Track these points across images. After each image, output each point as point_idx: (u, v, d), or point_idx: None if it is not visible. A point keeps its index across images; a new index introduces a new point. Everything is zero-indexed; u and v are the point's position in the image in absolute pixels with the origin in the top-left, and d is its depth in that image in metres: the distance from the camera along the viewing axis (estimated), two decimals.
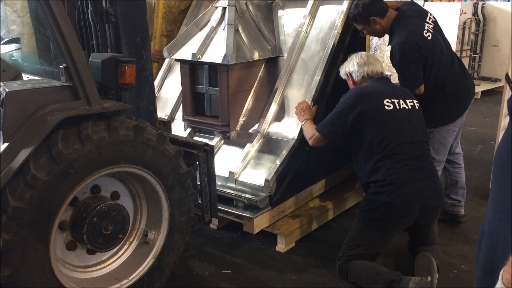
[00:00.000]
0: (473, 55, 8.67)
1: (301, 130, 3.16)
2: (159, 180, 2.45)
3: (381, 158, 2.65)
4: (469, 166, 4.59)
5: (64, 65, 2.13)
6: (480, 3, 8.80)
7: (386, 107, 2.70)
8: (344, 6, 3.47)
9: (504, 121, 3.90)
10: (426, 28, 3.11)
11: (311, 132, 2.93)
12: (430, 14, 3.23)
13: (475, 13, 8.60)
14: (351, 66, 2.96)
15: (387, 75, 3.01)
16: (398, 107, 2.73)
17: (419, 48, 3.03)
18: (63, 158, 2.03)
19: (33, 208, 1.98)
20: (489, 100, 7.99)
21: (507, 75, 3.76)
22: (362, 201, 2.80)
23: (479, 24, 8.59)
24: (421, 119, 2.83)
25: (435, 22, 3.21)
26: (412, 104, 2.79)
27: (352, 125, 2.72)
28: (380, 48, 3.50)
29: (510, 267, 1.24)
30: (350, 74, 2.97)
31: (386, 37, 3.42)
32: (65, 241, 2.30)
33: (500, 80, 8.77)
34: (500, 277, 1.26)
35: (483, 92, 8.26)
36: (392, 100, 2.73)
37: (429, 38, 3.09)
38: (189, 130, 3.61)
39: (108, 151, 2.18)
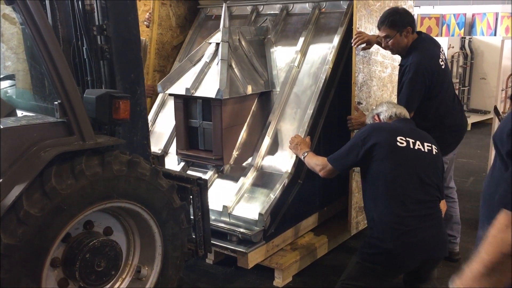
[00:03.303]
0: (462, 88, 8.82)
1: (297, 163, 3.17)
2: (153, 215, 2.43)
3: (386, 196, 2.58)
4: (462, 198, 4.60)
5: (59, 101, 2.14)
6: (467, 37, 9.03)
7: (398, 143, 2.61)
8: (335, 42, 3.55)
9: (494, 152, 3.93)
10: (440, 57, 3.21)
11: (321, 164, 2.88)
12: (441, 47, 3.33)
13: (462, 47, 8.81)
14: (380, 108, 2.95)
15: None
16: (412, 147, 2.63)
17: (432, 75, 3.10)
18: (56, 193, 2.02)
19: (26, 245, 1.96)
20: (479, 132, 8.09)
21: (495, 107, 3.86)
22: (363, 242, 2.71)
23: (466, 58, 8.78)
24: (438, 164, 2.71)
25: (444, 55, 3.32)
26: (429, 148, 2.69)
27: (363, 158, 2.65)
28: (367, 84, 3.54)
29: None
30: (378, 115, 2.93)
31: (377, 69, 3.49)
32: (57, 279, 2.25)
33: (489, 112, 8.90)
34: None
35: (473, 124, 8.36)
36: (407, 138, 2.64)
37: (442, 67, 3.19)
38: (182, 164, 3.62)
39: (102, 186, 2.18)
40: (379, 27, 3.25)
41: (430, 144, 2.70)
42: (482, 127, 8.47)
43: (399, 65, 3.29)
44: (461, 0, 15.50)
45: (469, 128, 8.17)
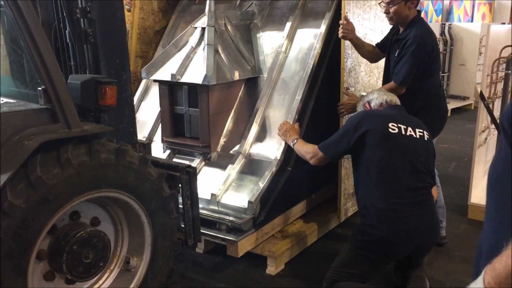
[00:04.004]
0: (441, 74, 8.89)
1: (286, 149, 3.13)
2: (142, 205, 2.36)
3: (379, 183, 2.55)
4: (446, 183, 4.62)
5: (42, 87, 2.04)
6: (447, 24, 9.08)
7: (390, 129, 2.59)
8: (322, 28, 3.49)
9: (480, 138, 3.96)
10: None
11: (311, 152, 2.84)
12: None
13: (442, 33, 8.86)
14: (371, 95, 2.91)
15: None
16: (403, 133, 2.61)
17: (432, 51, 3.07)
18: (42, 184, 1.93)
19: (10, 237, 1.87)
20: (458, 117, 8.17)
21: (481, 92, 3.86)
22: (356, 230, 2.70)
23: (446, 44, 8.84)
24: (429, 151, 2.71)
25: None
26: (421, 134, 2.67)
27: (355, 145, 2.62)
28: (355, 70, 3.51)
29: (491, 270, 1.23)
30: (368, 103, 2.90)
31: (364, 60, 3.47)
32: (43, 272, 2.17)
33: (468, 98, 9.02)
34: (482, 278, 1.25)
35: (452, 110, 8.44)
36: (399, 125, 2.62)
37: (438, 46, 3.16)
38: (168, 152, 3.54)
39: (89, 175, 2.09)
40: None
41: (421, 130, 2.68)
42: (461, 112, 8.57)
43: (397, 38, 3.22)
44: None
45: (448, 114, 8.25)
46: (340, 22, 3.28)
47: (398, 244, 2.52)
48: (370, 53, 3.46)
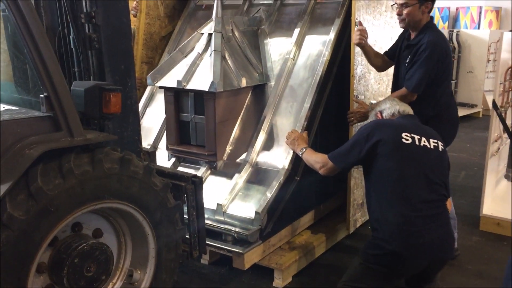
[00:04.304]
0: None
1: (294, 158, 3.05)
2: (146, 216, 2.29)
3: (392, 195, 2.45)
4: (456, 193, 4.54)
5: (45, 94, 1.97)
6: (455, 31, 9.00)
7: (403, 139, 2.50)
8: (331, 35, 3.42)
9: (493, 148, 3.87)
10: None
11: (321, 161, 2.76)
12: None
13: (450, 40, 8.77)
14: (383, 105, 2.82)
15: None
16: (417, 143, 2.52)
17: (446, 57, 3.01)
18: (43, 195, 1.86)
19: (10, 250, 1.80)
20: (466, 125, 8.06)
21: (494, 101, 3.77)
22: (367, 243, 2.59)
23: (454, 51, 8.75)
24: (444, 162, 2.62)
25: None
26: (435, 144, 2.58)
27: (366, 155, 2.53)
28: (365, 77, 3.43)
29: None
30: (380, 112, 2.80)
31: (371, 69, 3.39)
32: (43, 285, 2.10)
33: (476, 105, 8.91)
34: None
35: (460, 118, 8.30)
36: (412, 135, 2.53)
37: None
38: (173, 160, 3.47)
39: (92, 186, 2.02)
40: None
41: (436, 140, 2.59)
42: (469, 120, 8.47)
43: (408, 43, 3.13)
44: None
45: None
46: (357, 28, 3.20)
47: (411, 259, 2.42)
48: (380, 61, 3.39)
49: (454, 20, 14.37)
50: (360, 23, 3.23)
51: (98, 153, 2.06)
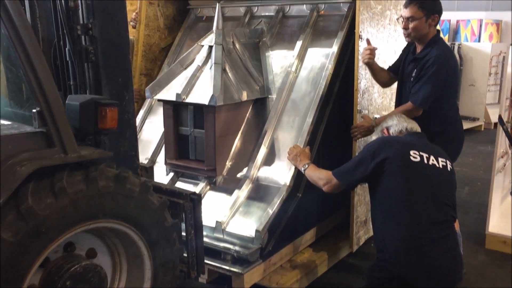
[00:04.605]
0: None
1: (295, 174, 2.97)
2: (142, 235, 2.19)
3: (399, 215, 2.36)
4: (460, 209, 4.41)
5: (38, 109, 1.89)
6: (457, 43, 8.96)
7: (412, 157, 2.42)
8: (335, 48, 3.34)
9: (498, 164, 3.79)
10: None
11: (325, 178, 2.66)
12: None
13: None
14: (390, 121, 2.74)
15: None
16: (426, 162, 2.44)
17: (454, 72, 2.96)
18: (34, 215, 1.77)
19: None
20: (469, 139, 7.94)
21: (500, 116, 3.70)
22: (372, 265, 2.51)
23: None
24: (452, 182, 2.53)
25: None
26: (444, 164, 2.49)
27: (373, 173, 2.44)
28: (368, 91, 3.36)
29: None
30: (387, 129, 2.73)
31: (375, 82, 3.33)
32: None
33: (478, 119, 8.84)
34: None
35: None
36: (421, 153, 2.45)
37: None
38: (171, 174, 3.37)
39: (86, 205, 1.93)
40: (406, 5, 2.97)
41: (444, 160, 2.50)
42: (471, 134, 8.38)
43: (414, 57, 3.07)
44: (445, 6, 15.60)
45: None
46: (366, 47, 3.14)
47: (417, 283, 2.31)
48: (385, 77, 3.32)
49: (454, 33, 14.38)
50: (369, 42, 3.17)
51: (92, 171, 1.97)
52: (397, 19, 3.11)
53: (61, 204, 1.84)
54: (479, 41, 13.48)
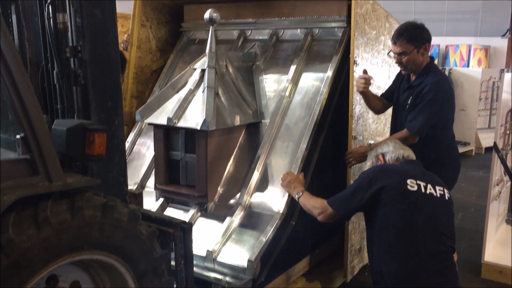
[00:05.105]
0: None
1: (289, 201, 2.89)
2: (129, 267, 2.08)
3: (397, 246, 2.30)
4: None
5: (22, 134, 1.80)
6: (447, 68, 9.03)
7: (409, 186, 2.36)
8: (329, 73, 3.31)
9: (494, 191, 3.74)
10: None
11: (320, 207, 2.59)
12: None
13: None
14: (386, 147, 2.69)
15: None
16: (423, 191, 2.38)
17: (449, 99, 2.94)
18: (15, 247, 1.66)
19: None
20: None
21: (495, 143, 3.66)
22: None
23: None
24: (450, 211, 2.49)
25: None
26: (441, 192, 2.44)
27: (369, 202, 2.38)
28: (363, 117, 3.32)
29: None
30: (383, 155, 2.67)
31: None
32: None
33: (469, 143, 8.86)
34: None
35: None
36: (418, 182, 2.39)
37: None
38: (161, 200, 3.27)
39: (70, 236, 1.83)
40: (394, 41, 2.95)
41: (441, 188, 2.44)
42: (463, 159, 8.24)
43: (410, 85, 3.04)
44: (434, 31, 15.82)
45: None
46: (362, 76, 3.11)
47: None
48: (379, 104, 3.29)
49: (444, 58, 14.55)
50: (365, 71, 3.14)
51: (78, 199, 1.87)
52: (388, 53, 3.10)
53: (44, 235, 1.74)
54: (468, 66, 13.66)
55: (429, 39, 2.96)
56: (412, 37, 2.90)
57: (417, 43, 2.90)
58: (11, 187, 1.74)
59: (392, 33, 3.29)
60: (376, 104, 3.27)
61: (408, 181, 2.35)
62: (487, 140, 8.83)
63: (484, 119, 9.30)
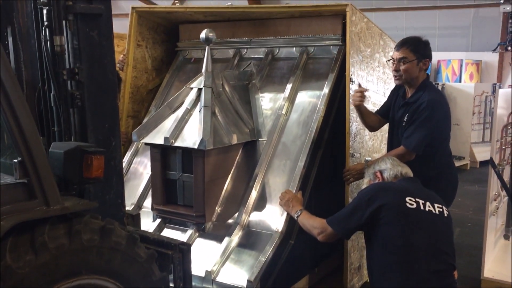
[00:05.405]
0: None
1: (288, 220, 2.87)
2: None
3: (397, 265, 2.28)
4: None
5: (19, 159, 1.78)
6: (440, 83, 9.10)
7: (408, 204, 2.34)
8: (325, 90, 3.31)
9: (491, 206, 3.73)
10: None
11: (319, 227, 2.56)
12: None
13: None
14: (383, 165, 2.67)
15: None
16: (422, 208, 2.36)
17: (445, 116, 2.96)
18: (11, 274, 1.64)
19: None
20: None
21: (491, 159, 3.67)
22: None
23: None
24: (450, 229, 2.47)
25: None
26: (440, 210, 2.43)
27: (368, 220, 2.35)
28: (360, 134, 3.32)
29: None
30: (380, 172, 2.65)
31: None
32: None
33: (463, 158, 8.89)
34: None
35: None
36: (417, 199, 2.38)
37: None
38: (158, 220, 3.24)
39: (68, 261, 1.81)
40: (397, 48, 2.99)
41: (440, 206, 2.43)
42: (458, 173, 8.36)
43: (406, 102, 3.05)
44: None
45: None
46: (357, 89, 3.12)
47: None
48: (374, 121, 3.30)
49: (436, 73, 14.66)
50: (360, 86, 3.15)
51: (76, 223, 1.86)
52: (387, 61, 3.11)
53: (41, 260, 1.72)
54: (460, 81, 13.77)
55: (430, 56, 3.01)
56: (416, 48, 2.95)
57: (419, 55, 2.95)
58: (8, 212, 1.73)
59: (386, 50, 3.33)
60: (371, 120, 3.28)
61: (407, 199, 2.34)
62: (481, 154, 8.87)
63: (478, 133, 9.35)
